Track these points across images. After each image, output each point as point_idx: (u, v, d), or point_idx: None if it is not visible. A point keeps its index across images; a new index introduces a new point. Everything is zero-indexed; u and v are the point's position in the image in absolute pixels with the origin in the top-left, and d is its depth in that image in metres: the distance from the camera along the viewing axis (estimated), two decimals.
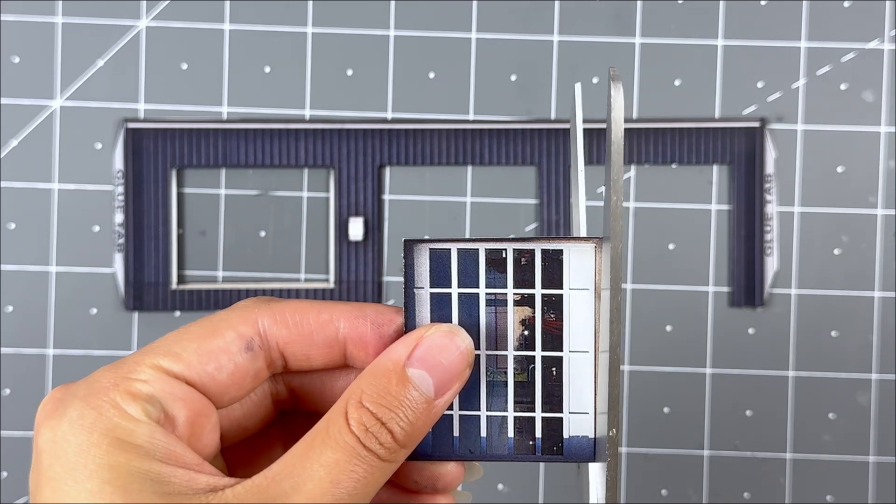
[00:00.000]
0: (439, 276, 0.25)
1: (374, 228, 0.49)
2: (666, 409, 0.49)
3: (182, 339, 0.24)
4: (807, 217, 0.49)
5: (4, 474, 0.48)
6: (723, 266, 0.49)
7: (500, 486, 0.49)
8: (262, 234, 0.49)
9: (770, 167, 0.49)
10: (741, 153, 0.49)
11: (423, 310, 0.25)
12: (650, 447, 0.49)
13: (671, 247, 0.49)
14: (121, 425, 0.22)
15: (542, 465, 0.49)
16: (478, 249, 0.25)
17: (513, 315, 0.25)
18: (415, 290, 0.25)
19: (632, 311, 0.49)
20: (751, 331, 0.49)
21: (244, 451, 0.27)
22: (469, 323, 0.25)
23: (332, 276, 0.49)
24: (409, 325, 0.25)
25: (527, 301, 0.25)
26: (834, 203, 0.49)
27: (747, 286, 0.49)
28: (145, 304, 0.48)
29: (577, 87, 0.26)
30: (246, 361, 0.25)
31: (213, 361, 0.24)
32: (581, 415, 0.25)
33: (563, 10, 0.49)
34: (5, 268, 0.48)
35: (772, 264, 0.49)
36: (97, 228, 0.49)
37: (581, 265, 0.25)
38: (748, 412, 0.49)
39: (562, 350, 0.25)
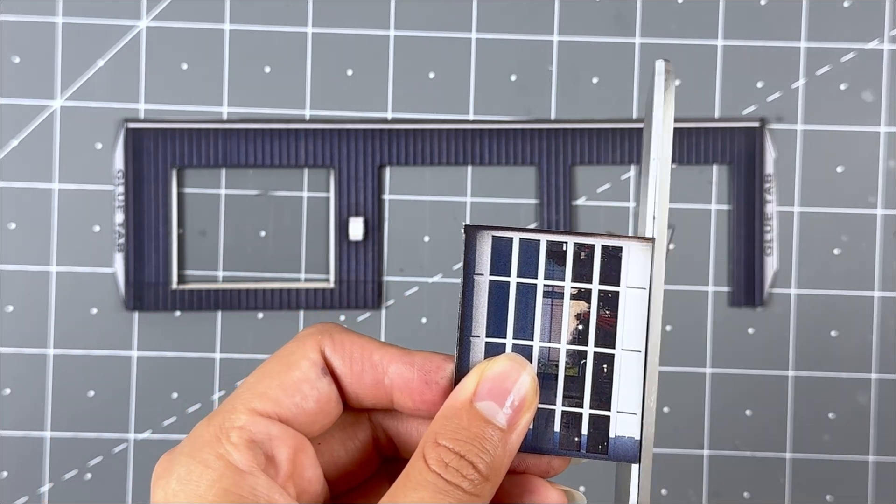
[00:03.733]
0: (499, 263, 0.25)
1: (374, 228, 0.49)
2: (666, 409, 0.49)
3: (264, 378, 0.25)
4: (807, 217, 0.49)
5: (4, 474, 0.48)
6: (723, 266, 0.49)
7: None
8: (262, 234, 0.49)
9: (770, 167, 0.49)
10: (741, 153, 0.49)
11: (481, 297, 0.25)
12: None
13: (671, 247, 0.49)
14: (226, 475, 0.23)
15: None
16: (539, 241, 0.25)
17: (568, 308, 0.25)
18: (475, 276, 0.25)
19: None
20: (751, 331, 0.49)
21: (355, 499, 0.28)
22: (524, 313, 0.25)
23: (332, 276, 0.49)
24: (465, 312, 0.25)
25: (583, 296, 0.25)
26: (834, 203, 0.49)
27: (747, 286, 0.49)
28: (145, 304, 0.48)
29: (658, 64, 0.26)
30: (326, 387, 0.25)
31: (297, 393, 0.25)
32: (628, 415, 0.25)
33: (563, 10, 0.49)
34: (5, 268, 0.48)
35: (772, 264, 0.49)
36: (97, 228, 0.49)
37: (639, 263, 0.25)
38: (748, 412, 0.49)
39: (614, 347, 0.25)
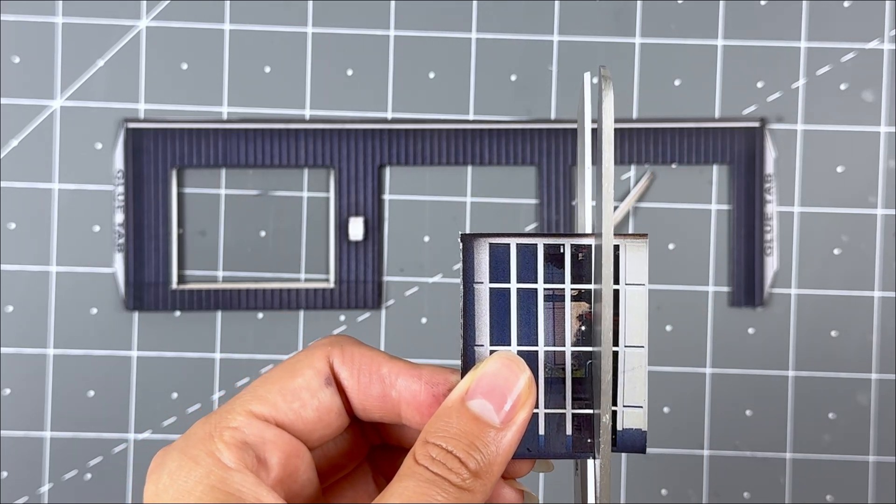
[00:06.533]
0: (498, 270, 0.25)
1: (374, 228, 0.49)
2: (666, 409, 0.49)
3: (266, 382, 0.25)
4: (807, 217, 0.49)
5: (4, 474, 0.48)
6: (723, 266, 0.49)
7: None
8: (262, 234, 0.49)
9: (770, 167, 0.49)
10: (741, 153, 0.49)
11: (483, 306, 0.25)
12: (650, 447, 0.49)
13: (671, 247, 0.49)
14: (214, 472, 0.23)
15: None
16: (536, 244, 0.25)
17: (570, 310, 0.25)
18: (474, 284, 0.25)
19: None
20: (751, 331, 0.49)
21: (344, 488, 0.28)
22: (527, 318, 0.25)
23: (332, 276, 0.49)
24: (468, 321, 0.25)
25: (583, 296, 0.25)
26: (834, 203, 0.49)
27: (747, 286, 0.49)
28: (145, 304, 0.48)
29: (587, 76, 0.26)
30: (328, 397, 0.26)
31: (296, 399, 0.25)
32: (635, 408, 0.25)
33: (563, 10, 0.49)
34: (5, 268, 0.48)
35: (772, 264, 0.49)
36: (97, 228, 0.49)
37: (636, 260, 0.25)
38: (748, 412, 0.49)
39: (617, 345, 0.25)
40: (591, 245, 0.25)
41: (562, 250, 0.25)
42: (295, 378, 0.25)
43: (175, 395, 0.49)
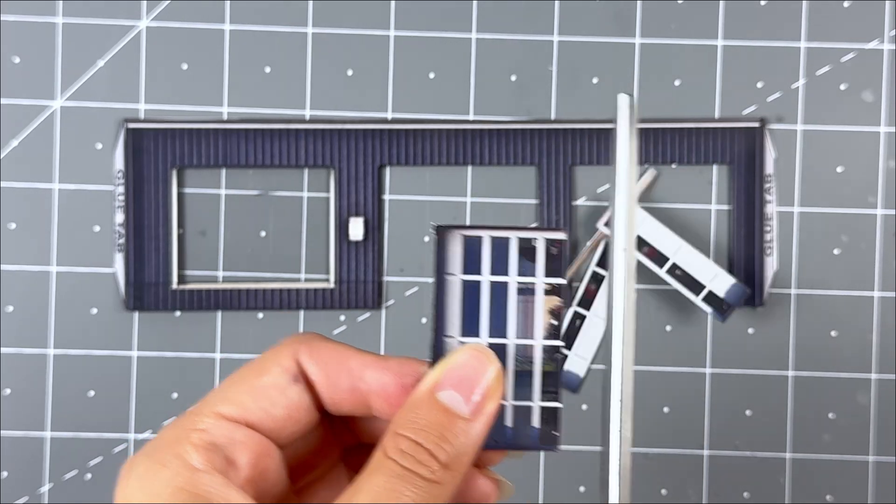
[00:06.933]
0: (471, 262, 0.25)
1: (374, 228, 0.49)
2: (666, 409, 0.49)
3: (234, 383, 0.25)
4: (807, 217, 0.49)
5: (5, 474, 0.48)
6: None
7: None
8: (262, 234, 0.49)
9: (770, 167, 0.49)
10: (741, 153, 0.49)
11: (454, 297, 0.25)
12: (650, 447, 0.49)
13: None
14: (182, 474, 0.23)
15: (542, 465, 0.49)
16: (509, 238, 0.25)
17: (542, 305, 0.25)
18: (446, 275, 0.25)
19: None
20: (751, 331, 0.49)
21: (318, 489, 0.28)
22: (498, 311, 0.25)
23: (332, 276, 0.49)
24: (438, 312, 0.25)
25: (555, 291, 0.25)
26: (834, 203, 0.49)
27: (747, 286, 0.49)
28: (145, 304, 0.48)
29: (621, 98, 0.26)
30: (296, 394, 0.25)
31: (265, 398, 0.25)
32: (581, 359, 0.26)
33: (563, 10, 0.49)
34: (5, 268, 0.48)
35: (772, 264, 0.49)
36: (97, 228, 0.49)
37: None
38: (748, 412, 0.49)
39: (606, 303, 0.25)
40: (564, 240, 0.25)
41: (534, 244, 0.25)
42: (262, 377, 0.25)
43: (175, 395, 0.49)
